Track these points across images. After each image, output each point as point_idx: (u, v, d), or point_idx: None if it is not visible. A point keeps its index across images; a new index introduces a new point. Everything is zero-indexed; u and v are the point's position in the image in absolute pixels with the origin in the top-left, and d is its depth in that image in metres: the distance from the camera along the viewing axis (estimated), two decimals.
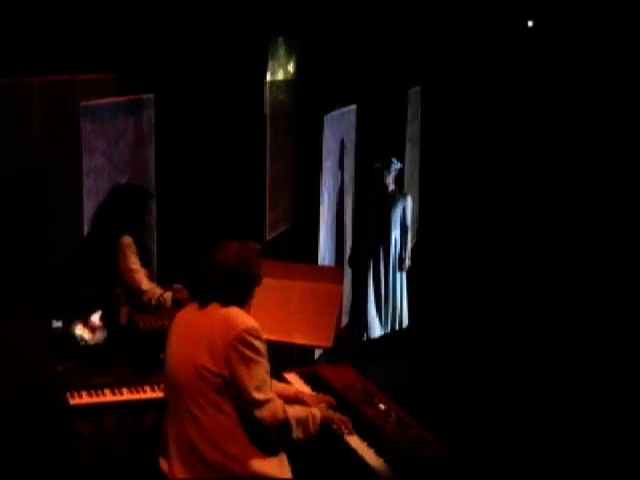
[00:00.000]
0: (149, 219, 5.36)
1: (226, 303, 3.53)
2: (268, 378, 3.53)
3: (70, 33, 6.93)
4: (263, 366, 3.47)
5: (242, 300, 3.59)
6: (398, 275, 8.19)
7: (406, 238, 8.22)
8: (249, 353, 3.40)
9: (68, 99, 6.37)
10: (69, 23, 6.93)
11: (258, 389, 3.42)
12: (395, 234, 8.16)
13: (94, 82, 6.75)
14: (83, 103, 6.17)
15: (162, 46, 7.39)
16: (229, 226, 7.07)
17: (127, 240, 5.06)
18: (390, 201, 8.15)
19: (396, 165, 8.18)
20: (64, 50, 6.78)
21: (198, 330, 3.51)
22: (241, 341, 3.40)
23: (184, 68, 7.47)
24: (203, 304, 3.57)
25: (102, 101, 6.46)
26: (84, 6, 6.97)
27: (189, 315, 3.64)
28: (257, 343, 3.44)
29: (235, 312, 3.50)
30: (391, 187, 8.20)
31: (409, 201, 8.29)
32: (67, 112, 6.27)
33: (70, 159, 6.17)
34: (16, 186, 5.95)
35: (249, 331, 3.43)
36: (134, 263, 5.05)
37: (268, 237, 7.59)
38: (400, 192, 8.34)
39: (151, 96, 6.90)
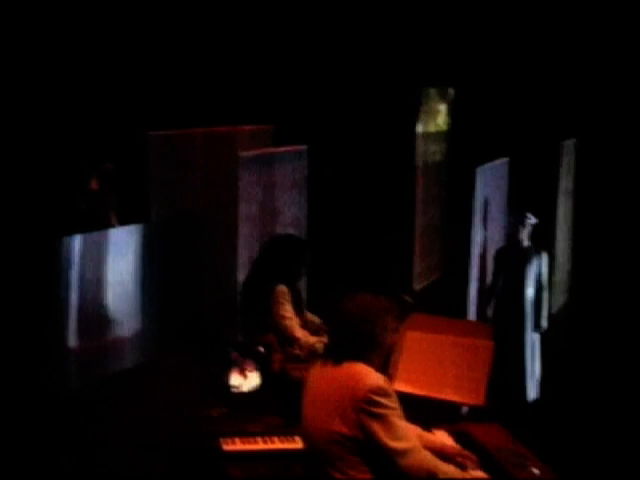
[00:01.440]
0: (304, 270, 5.47)
1: (353, 358, 3.45)
2: (405, 425, 3.44)
3: (230, 87, 7.23)
4: (396, 416, 3.37)
5: (369, 356, 3.48)
6: (532, 336, 7.82)
7: (542, 297, 7.87)
8: (379, 410, 3.33)
9: (227, 149, 6.63)
10: (229, 77, 7.24)
11: (396, 439, 3.34)
12: (529, 292, 7.86)
13: (252, 133, 7.00)
14: (241, 153, 6.39)
15: (317, 99, 7.58)
16: (378, 275, 7.12)
17: (282, 289, 5.18)
18: (524, 257, 7.87)
19: (531, 220, 7.91)
20: (225, 103, 7.08)
21: (327, 391, 3.45)
22: (368, 402, 3.33)
23: (337, 120, 7.63)
24: (333, 360, 3.50)
25: (259, 152, 6.68)
26: (242, 63, 7.26)
27: (320, 373, 3.57)
28: (385, 400, 3.36)
29: (361, 370, 3.42)
30: (525, 243, 7.91)
31: (545, 258, 7.97)
32: (226, 162, 6.52)
33: (227, 207, 6.40)
34: (177, 230, 6.21)
35: (375, 391, 3.35)
36: (288, 311, 5.16)
37: (417, 287, 7.59)
38: (535, 248, 8.04)
39: (305, 147, 7.07)
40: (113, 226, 6.40)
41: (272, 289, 5.17)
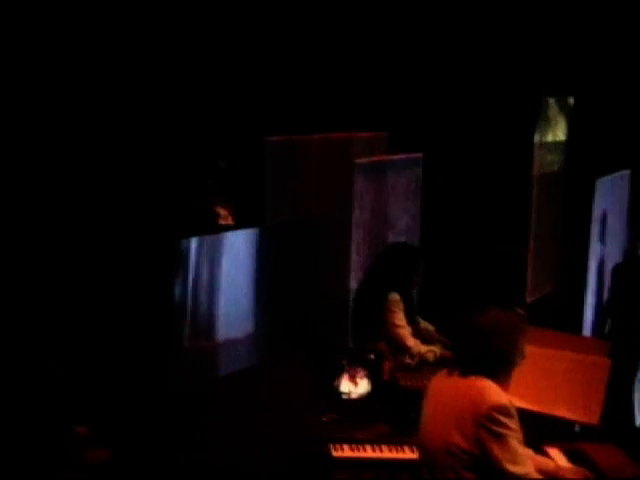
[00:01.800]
0: (418, 279, 5.45)
1: (480, 373, 3.42)
2: (523, 450, 3.39)
3: (347, 93, 7.27)
4: (516, 439, 3.34)
5: (498, 373, 3.44)
6: None
7: None
8: (499, 430, 3.29)
9: (343, 156, 6.66)
10: (346, 84, 7.27)
11: (514, 462, 3.30)
12: None
13: (367, 140, 7.02)
14: (357, 160, 6.41)
15: (433, 106, 7.54)
16: (489, 286, 7.02)
17: (395, 297, 5.17)
18: None
19: None
20: (341, 109, 7.12)
21: (449, 402, 3.44)
22: (490, 419, 3.30)
23: (453, 127, 7.57)
24: (459, 372, 3.48)
25: (374, 159, 6.69)
26: (360, 69, 7.29)
27: (443, 383, 3.56)
28: (506, 420, 3.32)
29: (486, 386, 3.38)
30: None
31: None
32: (341, 168, 6.55)
33: (341, 213, 6.43)
34: (290, 235, 6.28)
35: (498, 409, 3.31)
36: (400, 320, 5.16)
37: (529, 299, 7.45)
38: None
39: (420, 155, 7.04)
40: (227, 224, 6.54)
41: (385, 297, 5.17)
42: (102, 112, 5.88)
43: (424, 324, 5.51)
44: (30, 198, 5.29)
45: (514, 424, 3.35)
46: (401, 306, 5.17)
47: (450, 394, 3.46)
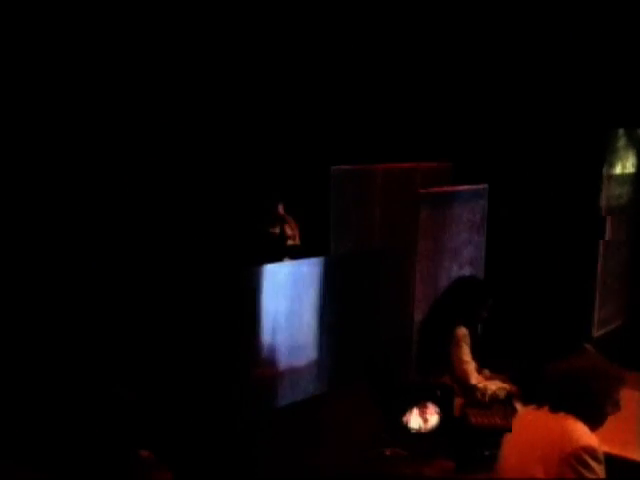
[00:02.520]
0: (485, 314, 5.36)
1: (571, 412, 3.39)
2: None
3: (411, 123, 7.24)
4: None
5: (590, 416, 3.41)
6: None
7: None
8: (585, 472, 3.24)
9: (407, 186, 6.61)
10: (410, 114, 7.24)
11: None
12: None
13: (432, 170, 6.96)
14: (422, 190, 6.36)
15: (498, 137, 7.46)
16: (556, 319, 6.89)
17: (463, 331, 5.09)
18: None
19: None
20: (406, 139, 7.08)
21: (536, 436, 3.41)
22: (577, 459, 3.25)
23: (519, 159, 7.47)
24: (549, 408, 3.46)
25: (439, 189, 6.63)
26: (424, 101, 7.26)
27: (530, 417, 3.55)
28: (594, 464, 3.27)
29: (577, 427, 3.35)
30: None
31: None
32: (405, 198, 6.50)
33: (405, 243, 6.37)
34: (355, 265, 6.24)
35: (587, 450, 3.27)
36: (466, 355, 5.07)
37: (596, 334, 7.29)
38: None
39: (485, 186, 6.96)
40: (295, 248, 6.54)
41: (453, 331, 5.09)
42: (172, 136, 5.93)
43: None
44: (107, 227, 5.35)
45: (600, 470, 3.31)
46: (468, 341, 5.09)
47: (537, 428, 3.43)
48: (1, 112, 5.28)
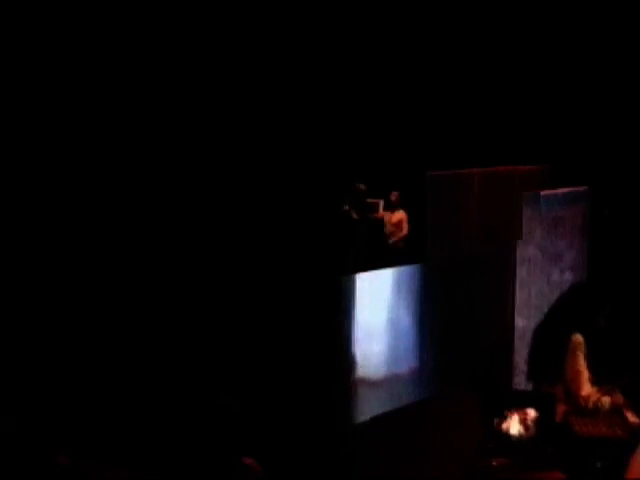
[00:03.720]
0: (603, 322, 5.17)
1: None
2: None
3: (508, 127, 7.15)
4: None
5: None
6: None
7: None
8: None
9: (505, 190, 6.52)
10: (507, 117, 7.15)
11: None
12: None
13: (530, 173, 6.84)
14: (523, 193, 6.25)
15: (596, 138, 7.30)
16: None
17: (579, 339, 4.91)
18: None
19: None
20: (503, 143, 6.99)
21: None
22: None
23: (617, 160, 7.30)
24: None
25: (539, 192, 6.51)
26: (523, 104, 7.16)
27: None
28: None
29: None
30: None
31: None
32: (503, 202, 6.41)
33: (505, 248, 6.27)
34: (454, 271, 6.18)
35: None
36: (581, 365, 4.87)
37: None
38: None
39: (586, 188, 6.80)
40: (396, 244, 6.49)
41: (568, 338, 4.93)
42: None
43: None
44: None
45: None
46: (583, 350, 4.90)
47: None
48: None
